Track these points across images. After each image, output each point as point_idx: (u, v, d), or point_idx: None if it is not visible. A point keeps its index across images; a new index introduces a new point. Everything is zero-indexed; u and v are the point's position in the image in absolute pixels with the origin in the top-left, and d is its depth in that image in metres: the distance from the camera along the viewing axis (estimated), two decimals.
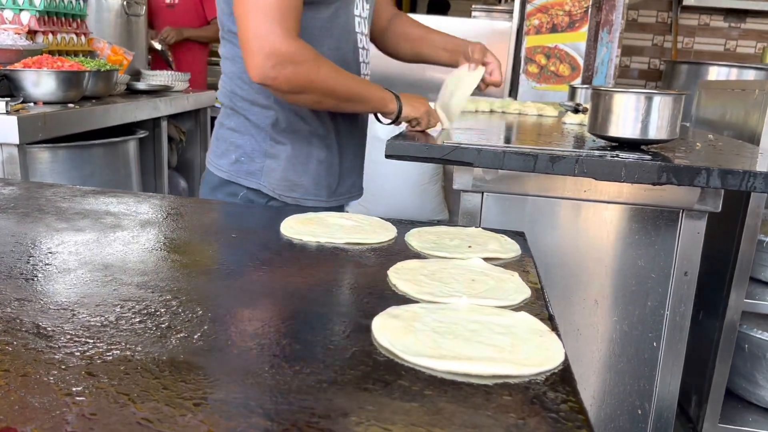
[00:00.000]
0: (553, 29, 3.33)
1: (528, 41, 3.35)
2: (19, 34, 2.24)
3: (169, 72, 3.03)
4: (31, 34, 2.33)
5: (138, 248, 0.87)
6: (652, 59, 5.17)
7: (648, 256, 1.53)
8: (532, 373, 0.57)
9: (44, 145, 1.91)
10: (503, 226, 1.11)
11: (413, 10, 7.15)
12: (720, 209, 1.46)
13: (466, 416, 0.49)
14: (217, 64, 4.80)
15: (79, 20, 2.60)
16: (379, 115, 1.42)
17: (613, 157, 1.33)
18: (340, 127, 1.40)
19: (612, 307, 1.57)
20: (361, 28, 1.40)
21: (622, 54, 4.41)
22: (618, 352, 1.58)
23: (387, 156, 1.39)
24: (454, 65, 1.59)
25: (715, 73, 3.94)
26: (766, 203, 1.84)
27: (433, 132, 1.54)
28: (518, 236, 1.02)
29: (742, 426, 1.97)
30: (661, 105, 1.39)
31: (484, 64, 1.54)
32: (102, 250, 0.85)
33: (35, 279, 0.74)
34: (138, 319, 0.64)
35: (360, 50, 1.40)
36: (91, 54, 2.68)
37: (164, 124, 2.76)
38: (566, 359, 0.60)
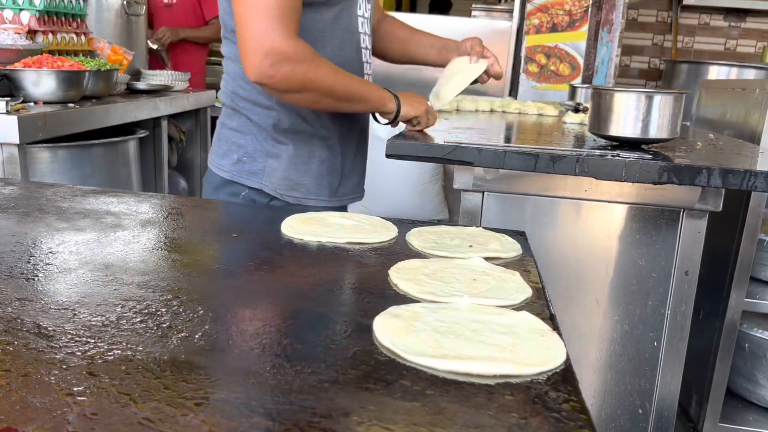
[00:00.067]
0: (553, 29, 3.33)
1: (528, 41, 3.35)
2: (19, 33, 2.24)
3: (169, 72, 3.02)
4: (31, 33, 2.33)
5: (139, 248, 0.87)
6: (652, 59, 5.17)
7: (649, 256, 1.53)
8: (534, 373, 0.57)
9: (44, 144, 1.91)
10: (504, 225, 1.11)
11: (413, 9, 7.14)
12: (721, 208, 1.46)
13: (468, 416, 0.49)
14: (217, 64, 4.81)
15: (79, 20, 2.60)
16: (377, 115, 1.42)
17: (614, 156, 1.33)
18: (341, 128, 1.40)
19: (613, 307, 1.57)
20: (364, 28, 1.40)
21: (622, 53, 4.41)
22: (618, 352, 1.58)
23: (387, 156, 1.39)
24: (442, 64, 1.60)
25: (716, 72, 3.94)
26: (766, 202, 1.84)
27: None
28: (519, 236, 1.02)
29: (743, 425, 1.96)
30: (662, 104, 1.39)
31: (484, 56, 1.54)
32: (103, 249, 0.85)
33: (36, 279, 0.74)
34: (139, 319, 0.64)
35: (363, 50, 1.40)
36: (91, 54, 2.68)
37: (164, 123, 2.76)
38: (568, 359, 0.60)
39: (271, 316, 0.70)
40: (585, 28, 3.30)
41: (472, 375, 0.56)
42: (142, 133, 2.46)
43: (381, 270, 0.83)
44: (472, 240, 0.97)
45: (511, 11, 3.49)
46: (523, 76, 3.40)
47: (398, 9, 6.32)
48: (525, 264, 0.89)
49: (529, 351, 0.61)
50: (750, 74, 3.85)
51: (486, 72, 1.54)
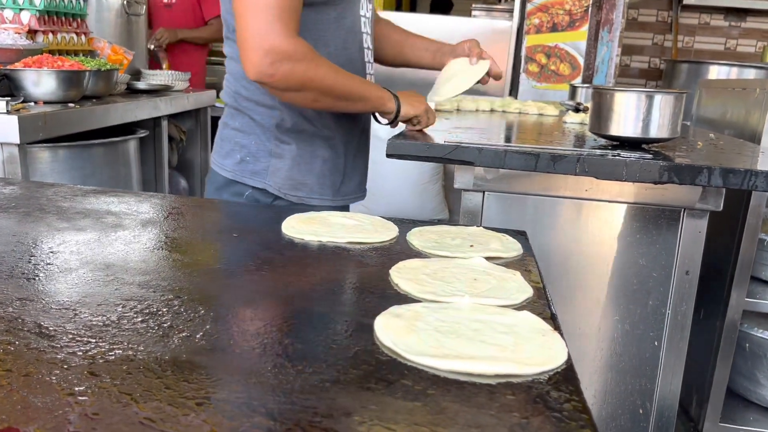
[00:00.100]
0: (554, 28, 3.33)
1: (528, 40, 3.35)
2: (19, 33, 2.24)
3: (170, 71, 3.02)
4: (32, 33, 2.33)
5: (139, 248, 0.87)
6: (653, 58, 5.16)
7: (649, 255, 1.53)
8: (535, 373, 0.57)
9: (45, 144, 1.91)
10: (504, 225, 1.11)
11: (413, 9, 7.14)
12: (721, 208, 1.46)
13: (469, 415, 0.49)
14: (218, 64, 4.80)
15: (79, 20, 2.60)
16: (377, 115, 1.42)
17: (615, 156, 1.33)
18: (344, 127, 1.40)
19: (613, 306, 1.57)
20: (366, 28, 1.40)
21: (623, 53, 4.41)
22: (619, 351, 1.58)
23: (388, 155, 1.39)
24: (437, 68, 1.60)
25: (716, 72, 3.94)
26: (767, 202, 1.84)
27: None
28: (520, 235, 1.02)
29: (743, 425, 1.96)
30: (662, 104, 1.39)
31: (483, 57, 1.55)
32: (103, 249, 0.85)
33: (37, 278, 0.74)
34: (140, 319, 0.64)
35: (365, 50, 1.40)
36: (91, 53, 2.67)
37: (164, 123, 2.76)
38: (569, 358, 0.60)
39: (272, 315, 0.70)
40: (585, 28, 3.30)
41: (474, 375, 0.56)
42: (142, 133, 2.46)
43: (382, 270, 0.83)
44: (473, 240, 0.97)
45: (511, 11, 3.49)
46: (523, 76, 3.40)
47: (398, 9, 6.31)
48: (526, 264, 0.89)
49: (530, 351, 0.60)
50: (750, 74, 3.85)
51: (486, 72, 1.54)
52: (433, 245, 0.94)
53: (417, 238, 0.97)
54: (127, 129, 2.40)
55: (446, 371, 0.56)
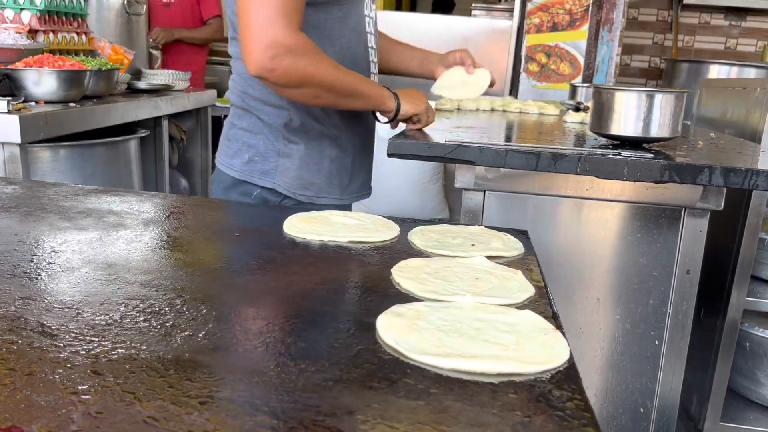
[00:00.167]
0: (554, 28, 3.33)
1: (528, 40, 3.35)
2: (20, 33, 2.24)
3: (170, 71, 3.02)
4: (32, 33, 2.33)
5: (141, 247, 0.87)
6: (653, 58, 5.16)
7: (650, 255, 1.53)
8: (538, 371, 0.57)
9: (46, 144, 1.91)
10: (505, 224, 1.11)
11: (413, 8, 7.14)
12: (722, 207, 1.46)
13: (471, 414, 0.49)
14: (218, 64, 4.79)
15: (80, 19, 2.60)
16: (377, 114, 1.42)
17: (615, 155, 1.33)
18: (350, 126, 1.41)
19: (614, 306, 1.57)
20: (370, 28, 1.41)
21: (623, 52, 4.41)
22: (620, 351, 1.59)
23: (389, 155, 1.39)
24: (424, 76, 1.62)
25: (716, 71, 3.94)
26: (767, 201, 1.84)
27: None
28: (521, 234, 1.02)
29: (744, 424, 1.97)
30: (663, 103, 1.39)
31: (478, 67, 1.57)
32: (105, 248, 0.85)
33: (39, 278, 0.74)
34: (142, 318, 0.64)
35: (370, 49, 1.41)
36: (92, 53, 2.68)
37: (165, 123, 2.76)
38: (571, 357, 0.60)
39: (275, 314, 0.70)
40: (585, 27, 3.30)
41: (476, 373, 0.56)
42: (143, 133, 2.46)
43: (383, 269, 0.83)
44: (474, 239, 0.97)
45: (511, 10, 3.49)
46: (523, 75, 3.40)
47: (398, 8, 6.31)
48: (527, 263, 0.89)
49: (532, 349, 0.61)
50: (750, 73, 3.85)
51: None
52: (434, 244, 0.94)
53: (418, 237, 0.97)
54: (127, 129, 2.40)
55: (448, 370, 0.56)
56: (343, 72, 1.25)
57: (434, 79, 1.61)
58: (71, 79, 2.07)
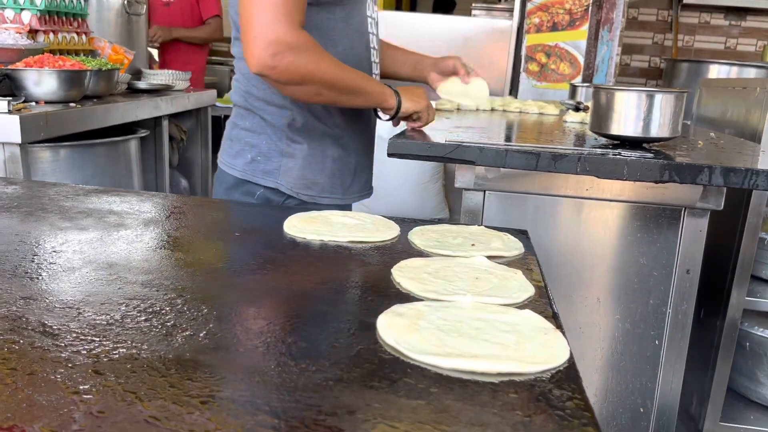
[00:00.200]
0: (554, 27, 3.33)
1: (528, 39, 3.35)
2: (20, 33, 2.24)
3: (170, 71, 3.03)
4: (33, 33, 2.33)
5: (142, 247, 0.88)
6: (653, 57, 5.17)
7: (650, 254, 1.53)
8: (538, 371, 0.57)
9: (46, 144, 1.91)
10: (505, 224, 1.11)
11: (413, 8, 7.14)
12: (722, 207, 1.46)
13: (472, 414, 0.50)
14: (218, 64, 4.78)
15: (80, 19, 2.60)
16: (378, 111, 1.43)
17: (615, 155, 1.33)
18: (352, 126, 1.41)
19: (614, 305, 1.57)
20: (373, 28, 1.42)
21: (623, 52, 4.41)
22: (620, 350, 1.59)
23: (389, 155, 1.39)
24: (416, 80, 1.62)
25: (716, 71, 3.94)
26: (767, 201, 1.84)
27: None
28: (521, 234, 1.02)
29: (744, 424, 1.97)
30: (663, 103, 1.39)
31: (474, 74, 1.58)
32: (106, 248, 0.86)
33: (40, 278, 0.74)
34: (143, 318, 0.64)
35: (372, 50, 1.42)
36: (92, 53, 2.68)
37: (165, 123, 2.76)
38: (571, 357, 0.60)
39: (275, 314, 0.70)
40: (585, 27, 3.30)
41: (476, 373, 0.56)
42: (143, 133, 2.46)
43: (384, 269, 0.83)
44: (474, 239, 0.97)
45: (511, 10, 3.49)
46: (523, 75, 3.40)
47: (398, 8, 6.31)
48: (527, 262, 0.90)
49: (532, 349, 0.61)
50: (750, 73, 3.85)
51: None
52: (434, 244, 0.94)
53: (418, 237, 0.97)
54: (127, 129, 2.40)
55: (449, 370, 0.56)
56: (344, 69, 1.25)
57: (427, 83, 1.62)
58: (71, 79, 2.07)
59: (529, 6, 3.33)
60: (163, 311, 0.66)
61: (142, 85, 2.77)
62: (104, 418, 0.46)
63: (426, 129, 1.51)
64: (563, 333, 0.65)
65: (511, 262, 0.89)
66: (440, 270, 0.82)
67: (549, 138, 1.65)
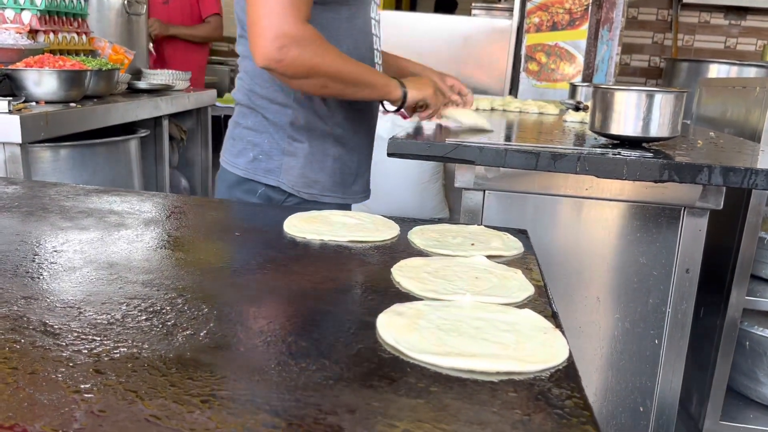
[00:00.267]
0: (554, 27, 3.33)
1: (528, 39, 3.36)
2: (20, 33, 2.24)
3: (170, 71, 3.03)
4: (33, 33, 2.33)
5: (142, 246, 0.88)
6: (653, 57, 5.17)
7: (650, 254, 1.53)
8: (537, 370, 0.57)
9: (46, 144, 1.92)
10: (505, 223, 1.12)
11: (413, 8, 7.14)
12: (722, 207, 1.47)
13: (471, 412, 0.50)
14: (218, 64, 4.77)
15: (80, 19, 2.60)
16: (384, 103, 1.44)
17: (615, 154, 1.33)
18: (354, 126, 1.42)
19: (614, 305, 1.57)
20: (376, 30, 1.43)
21: (623, 52, 4.42)
22: (620, 350, 1.59)
23: (389, 154, 1.39)
24: None
25: (716, 70, 3.94)
26: (767, 200, 1.85)
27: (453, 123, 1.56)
28: (521, 234, 1.02)
29: (744, 423, 1.97)
30: (663, 103, 1.40)
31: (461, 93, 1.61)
32: (107, 248, 0.86)
33: (41, 277, 0.74)
34: (144, 317, 0.64)
35: (375, 51, 1.43)
36: (92, 53, 2.68)
37: (165, 123, 2.76)
38: (570, 356, 0.60)
39: (275, 314, 0.70)
40: (585, 27, 3.30)
41: (476, 372, 0.56)
42: (143, 133, 2.46)
43: (383, 268, 0.83)
44: (474, 238, 0.97)
45: (511, 10, 3.49)
46: (523, 75, 3.40)
47: (398, 8, 6.31)
48: (527, 262, 0.90)
49: (531, 348, 0.61)
50: (750, 72, 3.85)
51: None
52: (434, 244, 0.94)
53: (418, 236, 0.97)
54: (128, 128, 2.41)
55: (448, 369, 0.57)
56: (349, 62, 1.26)
57: None
58: (72, 79, 2.07)
59: (528, 5, 3.33)
60: (164, 311, 0.66)
61: (142, 85, 2.77)
62: (105, 417, 0.46)
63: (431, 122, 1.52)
64: (563, 332, 0.65)
65: (511, 262, 0.89)
66: (440, 269, 0.82)
67: (549, 138, 1.65)
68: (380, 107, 1.48)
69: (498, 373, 0.56)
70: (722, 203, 1.46)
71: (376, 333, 0.63)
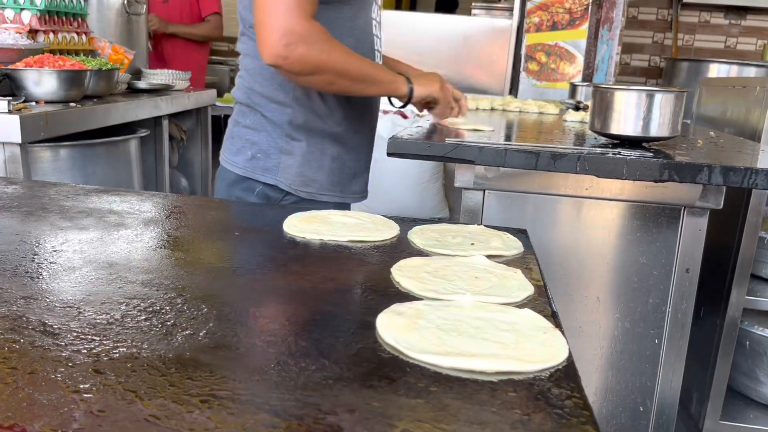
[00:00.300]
0: (554, 27, 3.33)
1: (528, 39, 3.36)
2: (20, 33, 2.24)
3: (170, 71, 3.03)
4: (33, 33, 2.33)
5: (142, 246, 0.88)
6: (653, 56, 5.17)
7: (650, 253, 1.53)
8: (537, 370, 0.57)
9: (46, 144, 1.92)
10: (505, 223, 1.12)
11: (413, 8, 7.14)
12: (722, 206, 1.46)
13: (471, 412, 0.50)
14: (218, 64, 4.77)
15: (80, 19, 2.60)
16: (391, 99, 1.44)
17: (615, 154, 1.33)
18: (353, 125, 1.42)
19: (614, 304, 1.57)
20: (377, 31, 1.43)
21: (623, 51, 4.42)
22: (620, 349, 1.59)
23: (389, 154, 1.39)
24: None
25: (716, 70, 3.94)
26: (767, 200, 1.85)
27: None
28: (520, 233, 1.02)
29: (744, 423, 1.97)
30: (663, 102, 1.40)
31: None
32: (106, 248, 0.86)
33: (40, 277, 0.74)
34: (143, 317, 0.64)
35: (376, 52, 1.43)
36: (92, 53, 2.68)
37: (165, 122, 2.76)
38: (570, 356, 0.60)
39: (275, 313, 0.70)
40: (585, 26, 3.30)
41: (476, 372, 0.56)
42: (143, 133, 2.46)
43: (383, 268, 0.83)
44: (474, 238, 0.97)
45: (511, 9, 3.49)
46: (523, 75, 3.40)
47: (398, 8, 6.31)
48: (527, 262, 0.90)
49: (531, 348, 0.61)
50: (750, 72, 3.85)
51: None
52: (434, 243, 0.94)
53: (418, 236, 0.97)
54: (128, 128, 2.40)
55: (448, 369, 0.57)
56: (355, 58, 1.27)
57: None
58: (71, 79, 2.07)
59: (528, 5, 3.33)
60: (163, 310, 0.66)
61: (142, 84, 2.77)
62: (104, 416, 0.46)
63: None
64: (562, 332, 0.65)
65: (511, 262, 0.89)
66: (440, 269, 0.82)
67: (549, 137, 1.65)
68: (389, 102, 1.49)
69: (498, 373, 0.56)
70: (722, 203, 1.46)
71: (375, 333, 0.63)
